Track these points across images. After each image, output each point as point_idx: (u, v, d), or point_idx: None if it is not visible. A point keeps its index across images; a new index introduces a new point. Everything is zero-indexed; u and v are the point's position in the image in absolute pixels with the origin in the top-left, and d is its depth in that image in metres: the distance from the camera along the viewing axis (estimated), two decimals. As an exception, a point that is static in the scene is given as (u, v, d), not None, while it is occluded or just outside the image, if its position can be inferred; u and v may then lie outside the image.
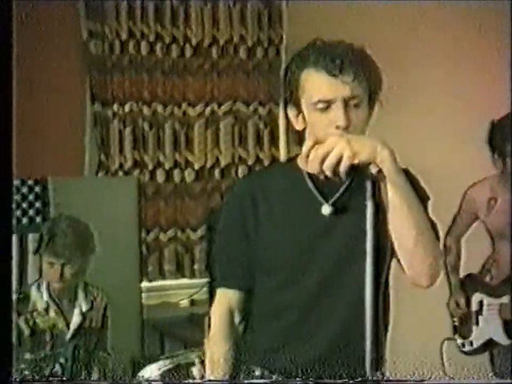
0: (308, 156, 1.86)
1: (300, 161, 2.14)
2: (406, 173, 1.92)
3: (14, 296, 3.08)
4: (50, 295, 3.17)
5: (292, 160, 2.20)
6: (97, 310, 3.29)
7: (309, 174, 2.10)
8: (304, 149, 1.89)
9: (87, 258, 3.18)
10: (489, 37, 3.67)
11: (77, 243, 3.13)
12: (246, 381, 2.12)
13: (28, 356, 3.10)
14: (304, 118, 2.01)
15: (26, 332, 3.09)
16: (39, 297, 3.17)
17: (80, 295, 3.24)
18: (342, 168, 1.77)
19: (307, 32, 4.10)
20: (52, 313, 3.16)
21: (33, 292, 3.18)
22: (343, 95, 1.93)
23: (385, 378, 2.03)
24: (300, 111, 2.02)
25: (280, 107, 4.65)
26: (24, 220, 3.81)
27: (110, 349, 3.34)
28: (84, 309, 3.22)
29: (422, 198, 1.98)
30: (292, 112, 2.05)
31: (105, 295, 3.34)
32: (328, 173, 1.78)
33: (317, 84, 1.95)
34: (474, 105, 3.72)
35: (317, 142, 1.85)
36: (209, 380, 2.15)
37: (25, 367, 3.09)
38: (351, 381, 1.97)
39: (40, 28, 3.99)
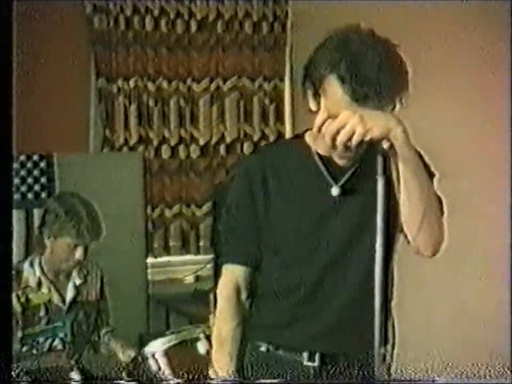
0: (319, 130, 1.85)
1: (308, 139, 2.13)
2: None
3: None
4: (42, 271, 3.17)
5: (299, 137, 2.18)
6: (92, 284, 3.30)
7: (318, 153, 2.09)
8: (317, 122, 1.86)
9: (97, 240, 3.20)
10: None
11: (94, 225, 3.15)
12: (262, 381, 2.11)
13: (21, 332, 3.10)
14: (319, 103, 1.98)
15: (19, 308, 3.10)
16: (32, 274, 3.17)
17: (75, 270, 3.24)
18: (353, 143, 1.76)
19: (312, 7, 4.10)
20: (44, 289, 3.17)
21: (26, 268, 3.18)
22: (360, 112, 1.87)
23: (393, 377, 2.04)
24: (317, 95, 1.97)
25: (286, 82, 4.64)
26: (30, 195, 3.81)
27: (112, 323, 3.35)
28: (78, 283, 3.23)
29: (429, 174, 1.99)
30: (310, 91, 2.00)
31: (100, 269, 3.34)
32: (340, 148, 1.78)
33: (337, 99, 1.90)
34: (484, 94, 3.69)
35: (329, 116, 1.84)
36: (225, 380, 2.15)
37: (23, 343, 3.10)
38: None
39: (44, 3, 3.97)
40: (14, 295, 3.10)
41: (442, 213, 2.01)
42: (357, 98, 1.88)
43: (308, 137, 2.13)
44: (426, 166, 2.02)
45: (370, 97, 1.87)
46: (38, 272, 3.17)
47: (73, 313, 3.21)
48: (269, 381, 2.12)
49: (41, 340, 3.14)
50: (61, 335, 3.18)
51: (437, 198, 1.98)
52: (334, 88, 1.92)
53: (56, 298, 3.18)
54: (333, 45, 1.94)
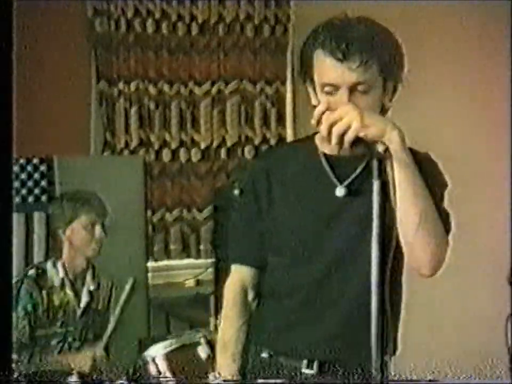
0: (318, 122, 1.84)
1: (318, 140, 2.12)
2: (426, 157, 1.90)
3: (15, 283, 3.09)
4: (66, 272, 3.20)
5: (309, 138, 2.18)
6: (103, 291, 3.31)
7: (324, 154, 2.09)
8: (316, 113, 1.86)
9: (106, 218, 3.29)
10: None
11: (99, 202, 3.27)
12: (262, 380, 2.10)
13: (41, 331, 3.12)
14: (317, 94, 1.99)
15: (44, 307, 3.12)
16: (55, 274, 3.19)
17: (88, 275, 3.26)
18: (347, 137, 1.75)
19: (314, 10, 4.09)
20: (68, 290, 3.19)
21: (49, 268, 3.20)
22: (347, 81, 1.89)
23: (392, 376, 2.02)
24: (314, 87, 1.99)
25: (288, 85, 4.63)
26: (30, 199, 3.80)
27: (110, 333, 3.32)
28: (91, 289, 3.25)
29: (440, 184, 1.99)
30: (309, 87, 2.02)
31: (111, 279, 3.35)
32: (334, 140, 1.77)
33: (324, 67, 1.92)
34: (490, 93, 3.69)
35: (328, 108, 1.83)
36: (225, 380, 2.13)
37: (36, 343, 3.11)
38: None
39: (45, 5, 3.97)
40: (45, 293, 3.14)
41: (447, 229, 1.96)
42: (339, 57, 1.88)
43: (317, 139, 2.13)
44: (439, 175, 2.01)
45: (353, 53, 1.87)
46: (61, 273, 3.20)
47: (84, 319, 3.23)
48: (270, 380, 2.11)
49: (53, 342, 3.16)
50: (70, 339, 3.19)
51: (443, 213, 1.94)
52: (320, 59, 1.93)
53: (73, 302, 3.20)
54: (317, 28, 1.97)
